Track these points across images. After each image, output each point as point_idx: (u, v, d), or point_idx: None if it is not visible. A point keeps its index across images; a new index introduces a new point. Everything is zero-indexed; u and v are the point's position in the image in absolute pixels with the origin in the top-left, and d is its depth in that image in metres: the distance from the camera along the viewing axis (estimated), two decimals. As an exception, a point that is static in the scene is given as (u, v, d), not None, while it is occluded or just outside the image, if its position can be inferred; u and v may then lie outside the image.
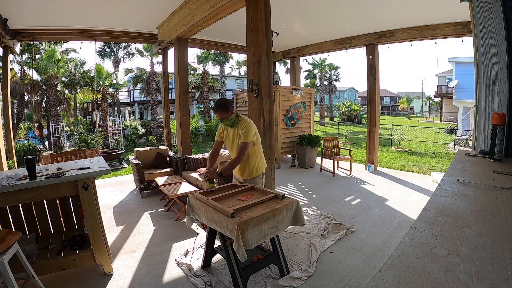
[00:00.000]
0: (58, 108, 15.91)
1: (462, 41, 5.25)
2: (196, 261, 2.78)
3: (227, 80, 23.00)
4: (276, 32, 5.35)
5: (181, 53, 5.57)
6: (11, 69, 13.17)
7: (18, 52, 5.74)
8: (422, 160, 9.09)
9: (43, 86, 15.18)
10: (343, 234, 3.33)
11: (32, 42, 7.29)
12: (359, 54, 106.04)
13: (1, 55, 5.30)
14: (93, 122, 18.77)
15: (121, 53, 20.63)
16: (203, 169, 4.87)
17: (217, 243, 2.64)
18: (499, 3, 1.58)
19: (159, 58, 14.97)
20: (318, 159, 7.12)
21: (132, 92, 22.93)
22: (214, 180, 2.57)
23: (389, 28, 5.94)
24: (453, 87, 18.43)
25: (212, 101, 20.70)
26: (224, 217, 2.03)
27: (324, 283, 2.43)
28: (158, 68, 18.42)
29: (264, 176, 2.94)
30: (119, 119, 14.15)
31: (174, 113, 6.61)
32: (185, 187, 4.23)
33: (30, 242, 2.42)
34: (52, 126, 13.23)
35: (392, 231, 3.46)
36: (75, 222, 2.96)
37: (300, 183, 5.72)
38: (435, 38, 5.60)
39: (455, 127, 17.52)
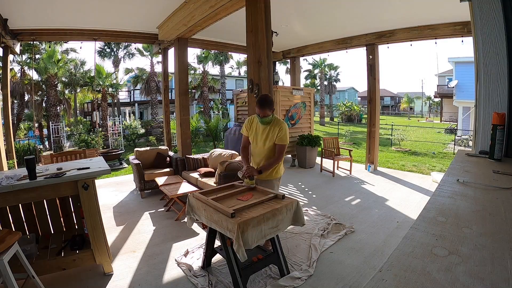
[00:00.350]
0: (58, 108, 15.91)
1: (462, 41, 5.25)
2: (196, 261, 2.78)
3: (227, 80, 23.00)
4: (276, 32, 5.35)
5: (181, 53, 5.57)
6: (11, 69, 13.17)
7: (18, 52, 5.74)
8: (422, 160, 9.09)
9: (43, 86, 15.18)
10: (343, 234, 3.33)
11: (32, 42, 7.29)
12: (359, 54, 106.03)
13: (1, 55, 5.30)
14: (93, 122, 18.76)
15: (121, 53, 20.63)
16: (203, 169, 4.87)
17: (217, 243, 2.64)
18: (499, 3, 1.58)
19: (159, 58, 14.97)
20: (318, 159, 7.12)
21: (132, 92, 22.92)
22: (254, 177, 2.63)
23: (389, 28, 5.94)
24: (453, 87, 18.43)
25: (212, 101, 20.72)
26: (224, 217, 2.03)
27: (324, 283, 2.43)
28: (158, 68, 18.42)
29: (281, 180, 2.90)
30: (119, 119, 14.16)
31: (174, 113, 6.61)
32: (185, 187, 4.23)
33: (30, 242, 2.42)
34: (52, 126, 13.24)
35: (392, 231, 3.46)
36: (75, 222, 2.96)
37: (300, 183, 5.72)
38: (435, 38, 5.59)
39: (455, 127, 17.52)
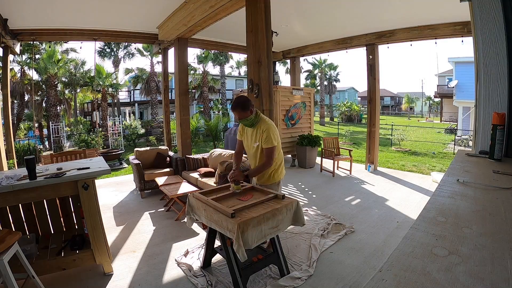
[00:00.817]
0: (58, 108, 15.92)
1: (462, 41, 5.26)
2: (196, 261, 2.78)
3: (227, 80, 23.00)
4: (276, 32, 5.35)
5: (181, 53, 5.57)
6: (11, 69, 13.18)
7: (18, 52, 5.74)
8: (422, 160, 9.08)
9: (43, 86, 15.18)
10: (343, 234, 3.33)
11: (32, 42, 7.29)
12: (359, 54, 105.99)
13: (1, 55, 5.30)
14: (93, 122, 18.77)
15: (121, 53, 20.64)
16: (203, 169, 4.87)
17: (217, 243, 2.64)
18: (499, 3, 1.58)
19: (159, 58, 14.97)
20: (318, 159, 7.12)
21: (132, 92, 22.93)
22: (240, 182, 2.50)
23: (389, 28, 5.94)
24: (453, 87, 18.43)
25: (211, 101, 20.72)
26: (224, 217, 2.03)
27: (324, 283, 2.43)
28: (158, 68, 18.42)
29: (281, 184, 2.77)
30: (119, 119, 14.16)
31: (174, 113, 6.61)
32: (185, 187, 4.23)
33: (30, 242, 2.42)
34: (52, 126, 13.23)
35: (392, 231, 3.46)
36: (75, 222, 2.96)
37: (300, 183, 5.72)
38: (435, 38, 5.60)
39: (455, 127, 17.52)
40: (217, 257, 2.74)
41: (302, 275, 2.49)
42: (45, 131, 15.08)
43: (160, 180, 4.61)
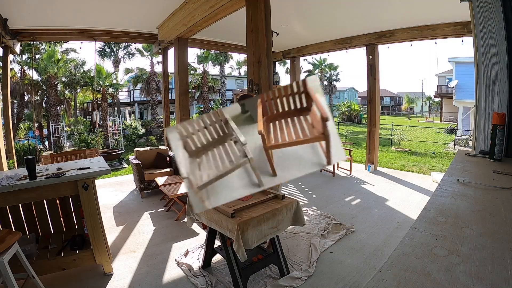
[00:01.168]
0: (58, 108, 15.92)
1: (462, 41, 5.25)
2: (196, 261, 2.78)
3: (227, 80, 23.01)
4: (276, 32, 5.34)
5: (181, 53, 5.56)
6: (11, 69, 13.17)
7: (18, 52, 5.74)
8: (422, 160, 9.09)
9: (43, 86, 15.19)
10: (343, 234, 3.33)
11: (32, 42, 7.29)
12: (359, 54, 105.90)
13: (1, 55, 5.30)
14: (93, 122, 18.77)
15: (121, 53, 20.63)
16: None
17: (217, 243, 2.64)
18: (499, 3, 1.58)
19: (159, 58, 14.97)
20: (318, 159, 7.11)
21: (132, 92, 22.93)
22: None
23: (389, 28, 5.94)
24: (453, 87, 18.44)
25: (212, 101, 20.74)
26: (224, 217, 2.03)
27: (324, 283, 2.43)
28: (158, 68, 18.42)
29: (281, 183, 2.83)
30: (119, 119, 14.16)
31: (174, 113, 6.61)
32: (185, 187, 4.22)
33: (30, 242, 2.42)
34: (52, 126, 13.24)
35: (392, 231, 3.46)
36: (75, 222, 2.96)
37: (300, 183, 5.72)
38: (435, 38, 5.59)
39: (455, 127, 17.52)
40: (217, 257, 2.74)
41: (302, 275, 2.49)
42: (45, 131, 15.09)
43: (160, 180, 4.61)
